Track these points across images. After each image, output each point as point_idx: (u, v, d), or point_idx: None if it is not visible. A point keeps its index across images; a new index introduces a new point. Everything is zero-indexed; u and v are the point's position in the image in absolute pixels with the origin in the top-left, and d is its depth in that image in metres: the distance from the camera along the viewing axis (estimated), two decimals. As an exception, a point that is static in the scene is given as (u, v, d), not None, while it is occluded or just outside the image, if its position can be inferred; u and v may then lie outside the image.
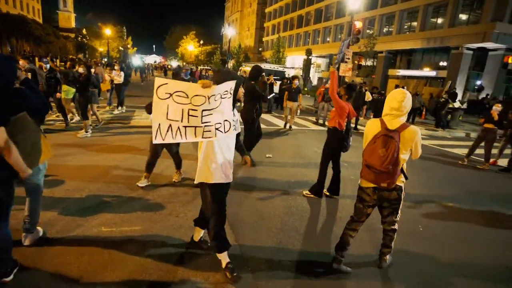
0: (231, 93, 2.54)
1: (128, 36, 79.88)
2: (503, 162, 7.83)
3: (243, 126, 5.48)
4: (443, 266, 3.27)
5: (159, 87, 2.40)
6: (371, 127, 2.78)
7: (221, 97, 2.49)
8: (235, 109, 2.73)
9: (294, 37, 51.87)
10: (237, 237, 3.42)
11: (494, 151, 7.90)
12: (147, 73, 31.42)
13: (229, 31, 37.85)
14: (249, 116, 5.92)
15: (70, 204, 3.80)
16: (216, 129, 2.51)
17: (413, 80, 29.05)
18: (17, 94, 2.29)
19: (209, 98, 2.44)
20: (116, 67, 11.29)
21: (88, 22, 65.36)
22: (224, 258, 2.77)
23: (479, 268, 3.32)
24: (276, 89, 14.42)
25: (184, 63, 68.89)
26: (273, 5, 59.16)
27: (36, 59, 20.79)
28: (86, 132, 7.15)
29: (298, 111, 11.21)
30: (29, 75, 7.25)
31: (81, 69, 7.52)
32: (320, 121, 12.41)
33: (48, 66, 8.68)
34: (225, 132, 2.56)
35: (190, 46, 77.02)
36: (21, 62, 7.36)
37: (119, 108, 10.95)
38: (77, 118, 8.61)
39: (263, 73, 5.91)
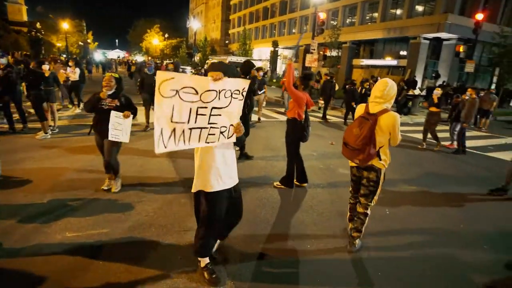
0: (243, 95, 2.30)
1: (88, 31, 75.82)
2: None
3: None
4: (410, 247, 3.46)
5: (162, 82, 2.01)
6: (358, 111, 3.11)
7: (231, 96, 2.23)
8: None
9: (260, 29, 51.77)
10: (209, 232, 3.42)
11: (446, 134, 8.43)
12: (113, 69, 29.98)
13: (194, 24, 37.12)
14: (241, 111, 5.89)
15: (30, 211, 3.60)
16: (221, 132, 2.30)
17: (376, 69, 30.12)
18: None
19: (219, 93, 2.17)
20: (70, 63, 10.48)
21: (39, 15, 60.99)
22: (204, 260, 2.68)
23: (442, 244, 3.55)
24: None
25: (149, 58, 66.74)
26: (238, -3, 58.69)
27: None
28: (46, 133, 6.75)
29: (264, 102, 11.25)
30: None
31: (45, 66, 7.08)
32: (288, 112, 12.58)
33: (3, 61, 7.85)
34: (227, 138, 2.38)
35: (155, 40, 74.62)
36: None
37: (80, 107, 10.39)
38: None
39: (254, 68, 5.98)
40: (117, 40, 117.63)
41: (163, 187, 4.54)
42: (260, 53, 47.20)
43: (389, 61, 29.23)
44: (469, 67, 18.71)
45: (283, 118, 11.65)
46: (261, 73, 10.27)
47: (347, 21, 33.49)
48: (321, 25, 16.24)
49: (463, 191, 5.33)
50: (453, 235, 3.79)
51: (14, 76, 6.93)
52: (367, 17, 31.26)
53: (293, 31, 43.09)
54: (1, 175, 4.45)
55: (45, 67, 7.26)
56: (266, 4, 48.85)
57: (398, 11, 27.78)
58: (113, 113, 3.88)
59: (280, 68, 40.64)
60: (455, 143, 8.34)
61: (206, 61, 22.07)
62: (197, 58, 46.44)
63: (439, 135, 8.33)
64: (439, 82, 22.70)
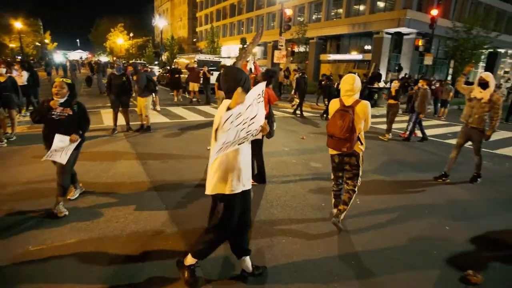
0: (262, 96, 2.25)
1: (46, 30, 71.61)
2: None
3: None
4: (380, 233, 3.61)
5: (224, 123, 1.95)
6: (333, 105, 3.40)
7: (257, 103, 2.18)
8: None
9: (228, 26, 51.48)
10: (183, 229, 3.39)
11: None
12: (77, 70, 28.06)
13: (160, 22, 36.19)
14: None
15: (-12, 225, 3.39)
16: (252, 135, 2.29)
17: (343, 63, 30.93)
18: None
19: (252, 105, 2.12)
20: (16, 67, 9.58)
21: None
22: (193, 259, 2.57)
23: (410, 227, 3.74)
24: (213, 79, 14.33)
25: (115, 58, 64.34)
26: (204, -6, 57.94)
27: None
28: (1, 142, 6.37)
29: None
30: None
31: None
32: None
33: None
34: (254, 137, 2.35)
35: (119, 40, 72.06)
36: None
37: (23, 113, 9.31)
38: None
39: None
40: (78, 40, 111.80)
41: (134, 191, 4.43)
42: (229, 50, 46.94)
43: (354, 55, 30.09)
44: (428, 60, 19.67)
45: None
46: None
47: (313, 17, 34.06)
48: (288, 22, 16.42)
49: (427, 177, 5.62)
50: (420, 218, 4.00)
51: None
52: (332, 13, 31.96)
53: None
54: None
55: (1, 70, 6.82)
56: (233, 1, 48.63)
57: (362, 7, 28.64)
58: (57, 137, 3.39)
59: (249, 65, 40.61)
60: (408, 132, 8.76)
61: (174, 60, 21.60)
62: (164, 57, 45.45)
63: (400, 125, 8.71)
64: (402, 74, 23.68)
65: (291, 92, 16.85)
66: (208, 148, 6.80)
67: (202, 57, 19.01)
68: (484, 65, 32.92)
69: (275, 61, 16.89)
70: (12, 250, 2.98)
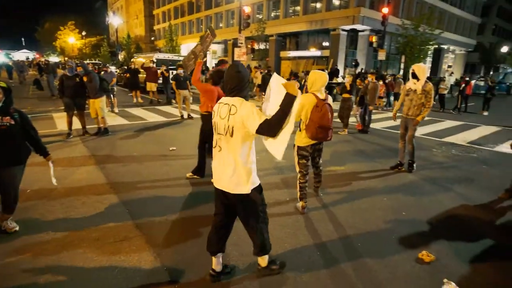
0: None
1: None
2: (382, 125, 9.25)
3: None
4: (342, 223, 3.77)
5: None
6: (307, 99, 3.71)
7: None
8: None
9: (187, 24, 50.52)
10: (148, 233, 3.31)
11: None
12: (26, 72, 25.45)
13: (115, 20, 34.61)
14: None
15: None
16: None
17: (302, 60, 31.64)
18: None
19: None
20: None
21: None
22: (265, 259, 2.72)
23: (368, 214, 3.94)
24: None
25: (67, 58, 60.57)
26: (160, -9, 56.30)
27: None
28: None
29: (191, 98, 11.08)
30: None
31: None
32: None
33: None
34: None
35: (71, 39, 67.87)
36: None
37: None
38: None
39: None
40: (23, 39, 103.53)
41: (94, 198, 4.24)
42: (189, 49, 46.09)
43: (313, 52, 30.88)
44: (381, 56, 20.72)
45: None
46: (180, 70, 10.02)
47: (272, 15, 34.42)
48: (247, 19, 16.48)
49: (384, 167, 5.94)
50: (379, 206, 4.23)
51: None
52: (291, 11, 32.51)
53: (220, 25, 42.90)
54: None
55: None
56: (191, -2, 47.81)
57: (318, 5, 29.43)
58: None
59: (210, 63, 40.26)
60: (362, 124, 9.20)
61: (131, 60, 20.84)
62: (121, 56, 43.61)
63: (351, 118, 9.06)
64: (358, 69, 24.73)
65: (253, 89, 16.96)
66: (171, 149, 6.67)
67: (161, 56, 18.52)
68: (431, 60, 35.47)
69: (235, 58, 16.89)
70: (-43, 269, 2.74)
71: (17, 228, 3.35)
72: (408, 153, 5.69)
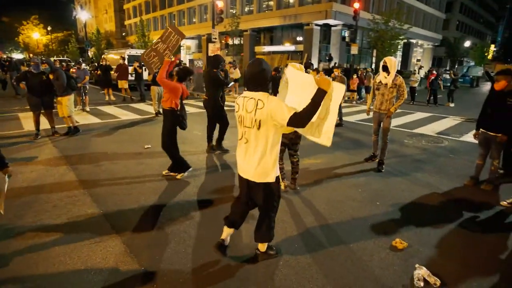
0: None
1: None
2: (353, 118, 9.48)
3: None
4: (322, 215, 3.85)
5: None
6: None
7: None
8: None
9: (159, 19, 49.39)
10: (124, 233, 3.24)
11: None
12: None
13: (82, 15, 33.16)
14: (219, 103, 6.13)
15: None
16: None
17: (277, 55, 31.77)
18: None
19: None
20: None
21: None
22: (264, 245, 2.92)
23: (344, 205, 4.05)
24: (145, 75, 13.68)
25: (32, 55, 57.48)
26: (129, -15, 54.57)
27: None
28: None
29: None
30: None
31: None
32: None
33: None
34: None
35: (35, 34, 64.42)
36: None
37: None
38: None
39: (223, 62, 6.08)
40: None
41: (66, 200, 4.09)
42: (162, 44, 45.04)
43: (288, 46, 31.09)
44: (354, 50, 21.17)
45: (192, 109, 11.51)
46: (137, 64, 9.78)
47: (245, 10, 34.27)
48: (220, 14, 16.29)
49: (358, 159, 6.10)
50: (354, 197, 4.36)
51: None
52: (264, 5, 32.50)
53: (194, 20, 42.28)
54: None
55: None
56: (162, -8, 46.70)
57: (291, 0, 29.60)
58: None
59: (185, 59, 39.64)
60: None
61: (102, 56, 20.13)
62: (91, 53, 41.95)
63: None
64: (332, 64, 25.16)
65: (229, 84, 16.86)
66: (146, 147, 6.53)
67: (133, 52, 18.00)
68: (401, 54, 36.63)
69: (209, 54, 16.68)
70: None
71: None
72: (380, 149, 5.61)
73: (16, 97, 13.48)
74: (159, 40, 4.77)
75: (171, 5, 45.80)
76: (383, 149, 5.56)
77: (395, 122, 9.85)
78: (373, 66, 22.83)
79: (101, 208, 3.88)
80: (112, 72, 13.77)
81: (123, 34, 60.20)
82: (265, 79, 2.43)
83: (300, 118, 2.27)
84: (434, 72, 15.36)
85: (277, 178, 2.60)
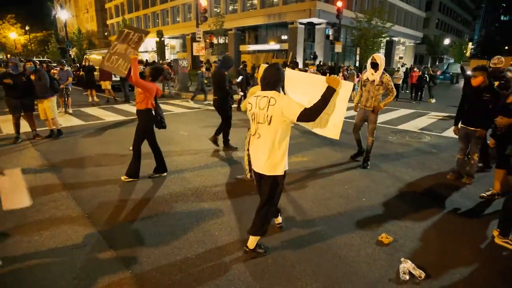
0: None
1: None
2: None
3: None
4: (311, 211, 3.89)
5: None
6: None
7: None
8: None
9: (142, 18, 48.69)
10: (110, 236, 3.19)
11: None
12: None
13: (62, 14, 32.31)
14: (226, 103, 6.21)
15: None
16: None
17: (262, 54, 31.78)
18: None
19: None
20: None
21: None
22: (255, 240, 2.96)
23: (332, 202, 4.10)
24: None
25: (9, 56, 55.65)
26: (110, -17, 53.53)
27: None
28: None
29: None
30: None
31: None
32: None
33: None
34: None
35: (12, 34, 62.32)
36: None
37: None
38: None
39: (233, 64, 6.14)
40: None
41: (49, 204, 3.98)
42: (146, 44, 44.47)
43: (273, 45, 31.18)
44: (338, 48, 21.39)
45: (178, 110, 11.41)
46: (141, 66, 9.70)
47: (229, 8, 34.17)
48: (204, 13, 16.18)
49: (343, 156, 6.18)
50: (341, 194, 4.42)
51: None
52: (248, 4, 32.48)
53: (178, 19, 41.87)
54: None
55: None
56: (145, -9, 46.03)
57: (275, -2, 29.69)
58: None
59: (169, 59, 39.22)
60: None
61: (85, 56, 19.69)
62: (72, 53, 40.99)
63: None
64: (317, 62, 25.38)
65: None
66: (131, 148, 6.40)
67: (116, 52, 17.66)
68: (384, 51, 37.25)
69: (194, 53, 16.57)
70: None
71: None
72: (366, 146, 5.63)
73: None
74: (116, 42, 4.63)
75: (154, 4, 45.21)
76: (369, 147, 5.60)
77: (379, 118, 9.99)
78: (357, 64, 23.15)
79: (85, 212, 3.81)
80: (95, 73, 13.50)
81: (106, 34, 59.05)
82: (278, 79, 2.65)
83: (310, 114, 2.50)
84: (416, 69, 15.70)
85: (285, 172, 2.79)
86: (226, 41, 31.92)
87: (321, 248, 3.14)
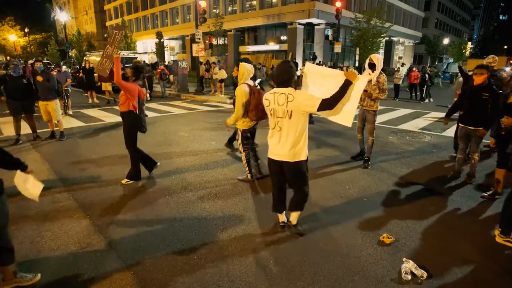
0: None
1: None
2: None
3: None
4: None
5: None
6: (242, 91, 4.32)
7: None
8: None
9: (141, 20, 48.72)
10: (113, 238, 3.18)
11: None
12: None
13: (62, 16, 32.33)
14: None
15: None
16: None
17: (262, 54, 31.83)
18: None
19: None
20: None
21: None
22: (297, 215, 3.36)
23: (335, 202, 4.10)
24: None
25: (10, 58, 55.63)
26: (109, -15, 53.60)
27: None
28: None
29: (147, 97, 10.76)
30: None
31: None
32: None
33: None
34: None
35: (12, 36, 62.35)
36: None
37: None
38: None
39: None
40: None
41: (51, 206, 3.98)
42: (145, 45, 44.59)
43: (272, 46, 31.21)
44: (337, 48, 21.40)
45: (178, 111, 11.41)
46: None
47: (229, 9, 34.21)
48: (203, 14, 16.17)
49: (344, 156, 6.18)
50: (342, 194, 4.42)
51: None
52: (247, 5, 32.51)
53: (177, 20, 41.89)
54: None
55: None
56: (144, -8, 46.05)
57: (274, -1, 29.73)
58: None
59: (168, 59, 39.26)
60: None
61: (84, 58, 19.72)
62: (72, 55, 40.99)
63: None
64: (316, 62, 25.40)
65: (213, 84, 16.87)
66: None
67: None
68: (383, 51, 37.30)
69: (194, 54, 16.56)
70: None
71: (38, 277, 2.64)
72: (367, 146, 5.63)
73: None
74: (107, 46, 4.66)
75: (153, 5, 45.23)
76: (369, 147, 5.60)
77: (380, 118, 10.01)
78: (357, 64, 23.16)
79: (86, 213, 3.81)
80: (95, 75, 13.50)
81: (105, 35, 59.06)
82: (291, 76, 2.88)
83: (329, 103, 2.83)
84: (415, 69, 15.70)
85: (307, 156, 3.10)
86: (226, 42, 31.94)
87: (323, 248, 3.14)
